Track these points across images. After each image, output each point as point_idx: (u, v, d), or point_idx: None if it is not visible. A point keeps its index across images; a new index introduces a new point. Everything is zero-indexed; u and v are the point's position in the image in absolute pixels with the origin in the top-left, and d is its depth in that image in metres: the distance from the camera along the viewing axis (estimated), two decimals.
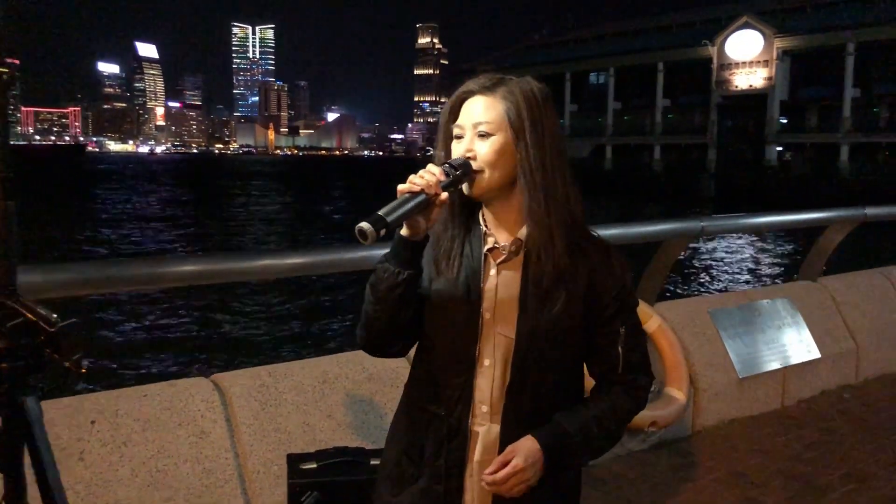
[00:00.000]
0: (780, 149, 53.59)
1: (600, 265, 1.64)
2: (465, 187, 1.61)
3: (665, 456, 4.15)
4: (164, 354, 11.79)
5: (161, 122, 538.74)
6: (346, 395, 3.29)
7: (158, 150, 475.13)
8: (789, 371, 4.96)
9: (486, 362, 1.65)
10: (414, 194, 1.50)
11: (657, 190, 52.78)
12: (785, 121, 53.76)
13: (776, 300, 5.21)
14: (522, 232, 1.62)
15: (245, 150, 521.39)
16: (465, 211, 1.67)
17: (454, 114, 1.65)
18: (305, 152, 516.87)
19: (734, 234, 24.94)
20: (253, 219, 37.40)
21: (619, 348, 1.65)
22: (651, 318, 4.26)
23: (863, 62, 49.03)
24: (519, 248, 1.63)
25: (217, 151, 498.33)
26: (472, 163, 1.58)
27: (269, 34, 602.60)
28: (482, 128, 1.58)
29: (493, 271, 1.65)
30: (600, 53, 64.65)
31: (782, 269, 21.83)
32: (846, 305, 5.56)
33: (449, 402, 1.67)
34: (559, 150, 1.61)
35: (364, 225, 1.43)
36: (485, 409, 1.66)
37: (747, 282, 19.66)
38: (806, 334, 5.14)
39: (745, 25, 54.27)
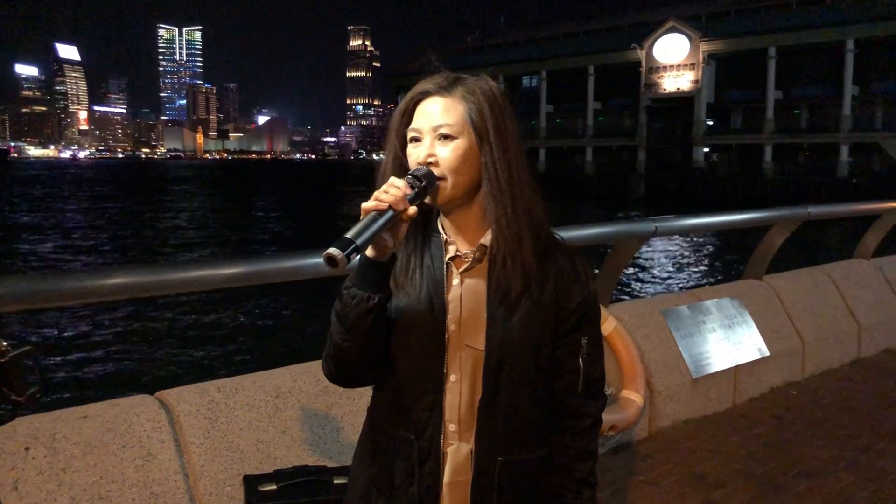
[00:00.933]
0: (707, 150, 55.01)
1: (566, 271, 1.56)
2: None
3: (624, 460, 4.10)
4: (103, 372, 11.14)
5: (84, 127, 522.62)
6: (301, 410, 3.13)
7: (82, 154, 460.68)
8: (740, 370, 4.99)
9: (453, 378, 1.55)
10: (381, 212, 1.38)
11: (590, 191, 53.64)
12: (711, 123, 55.21)
13: (724, 299, 5.24)
14: (486, 238, 1.53)
15: (173, 154, 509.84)
16: (421, 219, 1.56)
17: (408, 117, 1.54)
18: (235, 156, 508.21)
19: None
20: (181, 226, 36.23)
21: (581, 360, 1.57)
22: (607, 320, 4.23)
23: (784, 66, 50.68)
24: (483, 254, 1.53)
25: (144, 156, 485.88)
26: (434, 170, 1.47)
27: (197, 36, 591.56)
28: (443, 130, 1.47)
29: (455, 281, 1.55)
30: (532, 57, 65.29)
31: (708, 267, 22.36)
32: (791, 303, 5.64)
33: (418, 424, 1.56)
34: (521, 152, 1.53)
35: (333, 251, 1.30)
36: (453, 427, 1.56)
37: (677, 281, 20.02)
38: (755, 333, 5.18)
39: (672, 30, 55.54)
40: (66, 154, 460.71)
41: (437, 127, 1.48)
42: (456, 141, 1.47)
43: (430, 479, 1.55)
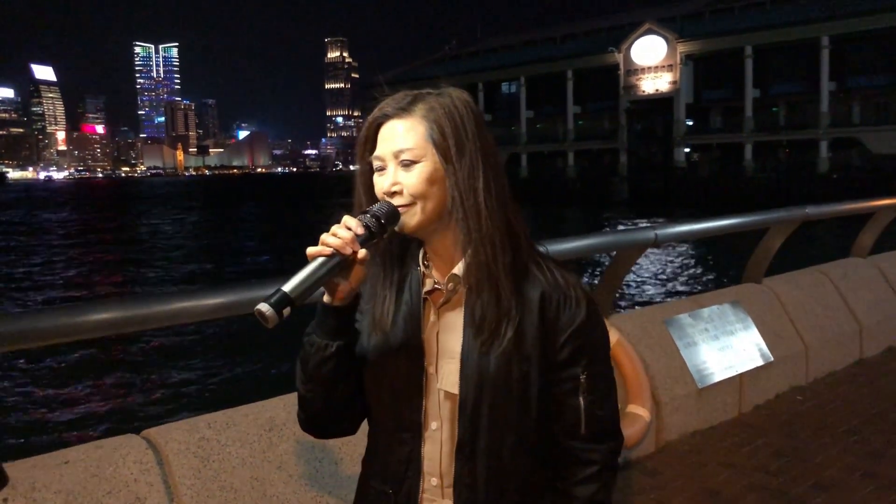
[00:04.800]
0: (687, 150, 55.25)
1: (553, 293, 1.37)
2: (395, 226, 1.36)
3: (633, 477, 3.96)
4: (85, 411, 10.58)
5: (63, 147, 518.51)
6: (296, 443, 2.97)
7: (60, 175, 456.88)
8: (745, 377, 4.87)
9: (433, 425, 1.40)
10: (328, 257, 1.25)
11: (572, 195, 53.75)
12: (691, 123, 55.49)
13: (725, 305, 5.12)
14: (459, 267, 1.37)
15: (153, 171, 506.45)
16: (398, 250, 1.44)
17: (371, 143, 1.40)
18: (216, 171, 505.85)
19: None
20: (160, 248, 35.45)
21: (581, 398, 1.38)
22: (609, 332, 4.08)
23: (761, 64, 51.03)
24: (457, 285, 1.38)
25: (124, 174, 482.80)
26: (398, 199, 1.34)
27: (173, 52, 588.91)
28: (405, 156, 1.34)
29: (433, 317, 1.41)
30: (511, 63, 65.41)
31: (702, 269, 22.35)
32: (792, 306, 5.53)
33: (395, 477, 1.42)
34: (492, 165, 1.36)
35: (262, 307, 1.17)
36: (435, 481, 1.41)
37: (671, 288, 19.97)
38: (758, 338, 5.07)
39: (649, 32, 55.83)
40: (46, 175, 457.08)
41: (398, 152, 1.35)
42: (419, 165, 1.34)
43: None
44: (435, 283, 1.41)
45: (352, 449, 3.08)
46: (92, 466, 2.51)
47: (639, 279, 19.92)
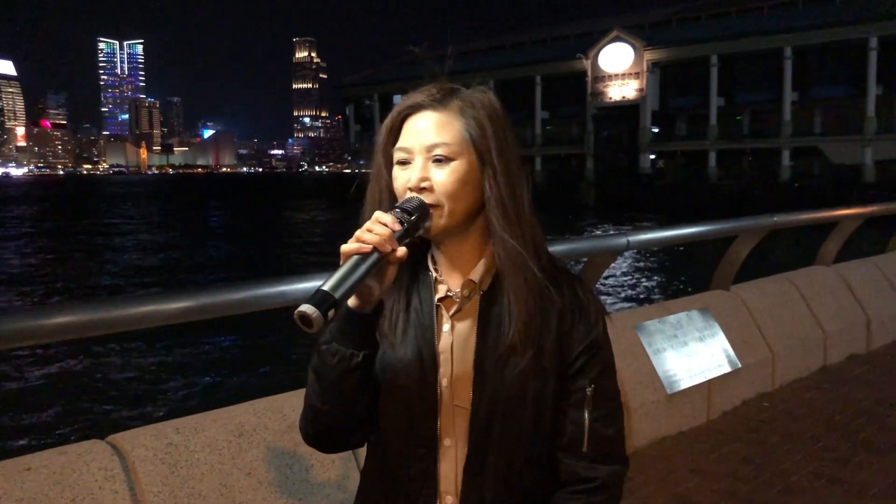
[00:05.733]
0: (653, 157, 55.83)
1: (571, 305, 1.33)
2: None
3: None
4: (48, 417, 10.15)
5: (22, 143, 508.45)
6: (266, 449, 2.91)
7: (19, 172, 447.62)
8: (713, 384, 4.90)
9: (447, 442, 1.33)
10: (363, 255, 1.16)
11: (540, 199, 53.45)
12: (656, 130, 56.06)
13: (694, 312, 5.15)
14: (476, 272, 1.31)
15: (116, 169, 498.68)
16: (410, 254, 1.36)
17: (395, 134, 1.32)
18: (181, 170, 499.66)
19: None
20: (123, 248, 34.74)
21: (585, 413, 1.32)
22: None
23: (726, 73, 51.75)
24: (472, 291, 1.32)
25: (85, 172, 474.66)
26: (425, 196, 1.26)
27: (138, 49, 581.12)
28: (439, 151, 1.27)
29: (446, 326, 1.33)
30: (479, 67, 65.57)
31: (667, 272, 22.57)
32: (759, 313, 5.58)
33: (409, 495, 1.34)
34: (523, 172, 1.32)
35: (306, 309, 1.08)
36: (450, 500, 1.34)
37: (637, 294, 20.13)
38: (726, 345, 5.10)
39: (616, 39, 56.32)
40: (5, 171, 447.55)
41: (432, 147, 1.27)
42: (453, 163, 1.27)
43: None
44: (448, 290, 1.34)
45: (322, 456, 3.03)
46: (55, 473, 2.43)
47: (609, 285, 20.05)
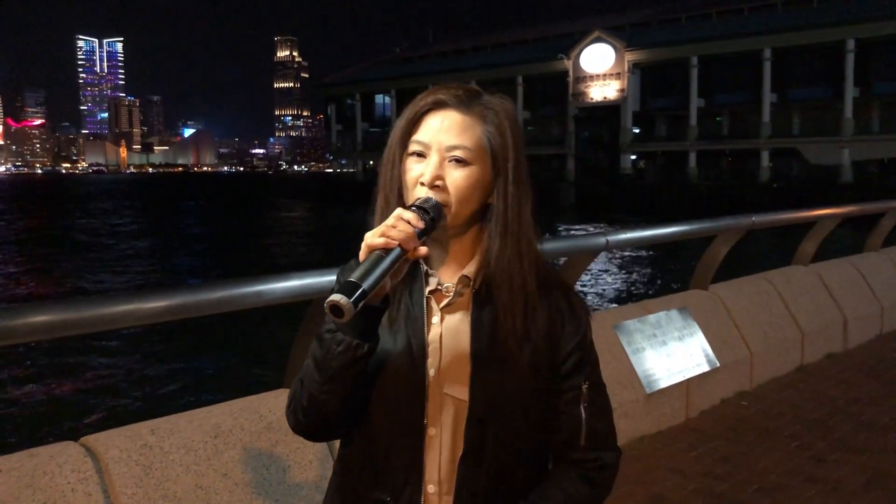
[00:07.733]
0: (633, 157, 56.11)
1: (561, 307, 1.37)
2: None
3: None
4: (18, 417, 9.98)
5: (0, 142, 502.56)
6: (243, 450, 2.89)
7: None
8: (692, 383, 4.93)
9: (432, 431, 1.35)
10: (387, 250, 1.19)
11: None
12: (637, 131, 56.34)
13: (673, 311, 5.17)
14: (470, 268, 1.34)
15: (95, 168, 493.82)
16: None
17: (414, 126, 1.34)
18: (160, 169, 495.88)
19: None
20: (104, 247, 34.42)
21: (581, 409, 1.38)
22: None
23: (706, 74, 52.10)
24: (465, 287, 1.35)
25: (64, 170, 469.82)
26: (436, 194, 1.29)
27: (118, 47, 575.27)
28: (458, 153, 1.29)
29: (436, 318, 1.36)
30: (461, 67, 65.58)
31: (646, 268, 22.67)
32: (737, 312, 5.62)
33: (395, 484, 1.36)
34: (530, 183, 1.36)
35: (338, 298, 1.11)
36: (433, 488, 1.36)
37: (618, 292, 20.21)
38: (704, 344, 5.13)
39: (598, 40, 56.54)
40: None
41: (452, 147, 1.29)
42: (470, 167, 1.29)
43: None
44: (439, 283, 1.37)
45: (300, 456, 3.01)
46: (26, 476, 2.39)
47: (588, 284, 20.12)
